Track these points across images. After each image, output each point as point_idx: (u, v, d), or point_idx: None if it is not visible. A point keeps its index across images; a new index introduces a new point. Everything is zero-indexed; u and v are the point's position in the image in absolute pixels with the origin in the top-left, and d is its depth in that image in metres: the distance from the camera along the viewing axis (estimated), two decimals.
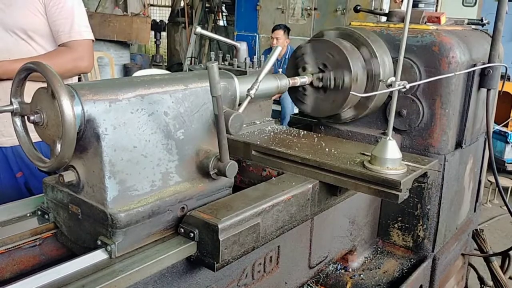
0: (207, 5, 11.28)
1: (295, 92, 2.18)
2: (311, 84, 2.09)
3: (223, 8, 11.38)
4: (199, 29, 1.85)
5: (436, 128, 2.21)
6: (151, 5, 13.16)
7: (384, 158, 1.50)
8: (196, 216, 1.30)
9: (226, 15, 11.33)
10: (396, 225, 2.44)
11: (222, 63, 2.05)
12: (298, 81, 2.01)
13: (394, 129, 2.30)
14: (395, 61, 2.25)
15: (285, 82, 1.89)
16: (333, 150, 1.71)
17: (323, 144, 1.79)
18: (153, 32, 10.07)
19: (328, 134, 2.44)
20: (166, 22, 11.79)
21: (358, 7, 2.71)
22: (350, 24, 2.55)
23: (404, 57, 2.23)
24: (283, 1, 8.20)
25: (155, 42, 10.47)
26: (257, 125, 1.98)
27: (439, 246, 2.41)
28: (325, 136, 1.98)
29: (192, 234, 1.29)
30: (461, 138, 2.33)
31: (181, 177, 1.40)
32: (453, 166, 2.36)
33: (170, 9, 12.17)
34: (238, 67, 1.96)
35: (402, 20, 2.46)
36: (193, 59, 11.05)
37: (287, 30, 6.89)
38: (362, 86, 2.07)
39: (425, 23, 2.38)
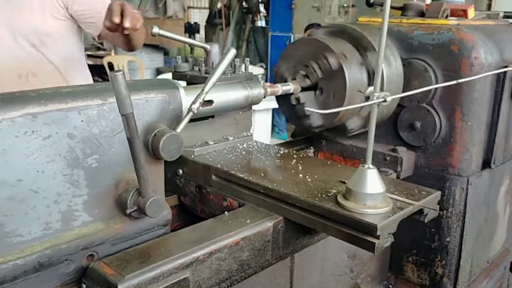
0: (244, 5, 11.02)
1: (292, 111, 1.83)
2: (302, 89, 1.75)
3: (262, 8, 11.08)
4: (156, 29, 1.56)
5: (456, 145, 1.82)
6: (190, 7, 13.09)
7: (361, 193, 1.14)
8: (97, 269, 1.01)
9: (264, 16, 11.02)
10: (410, 259, 2.05)
11: (200, 68, 1.73)
12: (280, 89, 1.67)
13: (407, 144, 1.93)
14: (406, 63, 1.87)
15: (258, 91, 1.56)
16: (307, 177, 1.37)
17: (300, 168, 1.45)
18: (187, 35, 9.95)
19: (330, 149, 2.09)
20: (205, 24, 11.65)
21: (371, 1, 2.33)
22: (357, 20, 2.18)
23: (418, 59, 1.88)
24: None
25: (189, 44, 10.30)
26: (230, 141, 1.66)
27: (462, 286, 2.00)
28: (308, 157, 1.63)
29: None
30: (489, 157, 1.91)
31: (91, 216, 1.11)
32: (480, 190, 1.94)
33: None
34: (206, 73, 1.65)
35: (419, 14, 2.07)
36: None
37: None
38: (363, 77, 1.71)
39: (446, 17, 1.98)
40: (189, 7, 13.03)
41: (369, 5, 2.37)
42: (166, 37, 1.63)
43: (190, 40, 1.73)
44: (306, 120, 1.86)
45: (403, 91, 1.88)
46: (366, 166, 1.16)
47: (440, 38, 1.80)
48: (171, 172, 1.60)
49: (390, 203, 1.17)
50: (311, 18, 7.79)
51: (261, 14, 11.07)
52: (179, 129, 1.20)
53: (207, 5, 12.19)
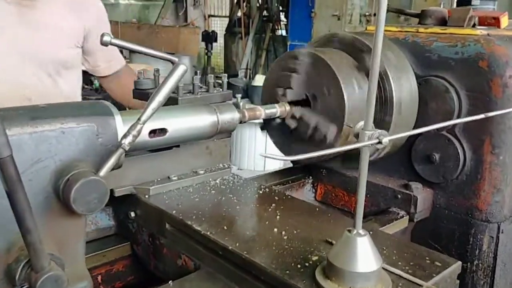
0: (265, 13, 10.74)
1: (284, 140, 1.54)
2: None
3: (282, 17, 10.78)
4: (106, 38, 1.25)
5: (485, 183, 1.47)
6: (211, 16, 12.89)
7: (347, 272, 0.81)
8: None
9: (285, 24, 10.72)
10: None
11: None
12: (262, 113, 1.35)
13: (423, 180, 1.58)
14: (423, 81, 1.53)
15: (231, 116, 1.24)
16: (283, 233, 1.04)
17: (277, 217, 1.12)
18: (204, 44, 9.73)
19: (331, 181, 1.77)
20: (224, 32, 11.41)
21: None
22: (366, 29, 1.85)
23: (437, 76, 1.53)
24: (340, 7, 7.44)
25: (206, 53, 10.08)
26: (199, 176, 1.34)
27: None
28: (291, 200, 1.28)
29: None
30: None
31: None
32: None
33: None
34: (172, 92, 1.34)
35: (440, 22, 1.72)
36: (248, 70, 10.53)
37: None
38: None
39: (473, 26, 1.63)
40: (209, 16, 12.83)
41: None
42: (122, 47, 1.33)
43: (153, 52, 1.41)
44: (269, 133, 1.57)
45: (418, 114, 1.55)
46: (355, 231, 0.82)
47: (465, 51, 1.46)
48: (123, 214, 1.30)
49: (389, 284, 0.83)
50: (331, 27, 7.45)
51: (282, 23, 10.77)
52: (102, 172, 0.89)
53: (228, 14, 11.97)
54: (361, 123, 0.79)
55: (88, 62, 2.11)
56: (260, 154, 0.84)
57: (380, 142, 0.75)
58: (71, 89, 2.03)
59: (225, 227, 1.06)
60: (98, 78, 2.27)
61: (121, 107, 1.43)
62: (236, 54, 10.97)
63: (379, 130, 0.76)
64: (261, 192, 1.29)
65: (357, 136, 0.79)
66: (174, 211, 1.14)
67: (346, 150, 0.80)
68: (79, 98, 2.14)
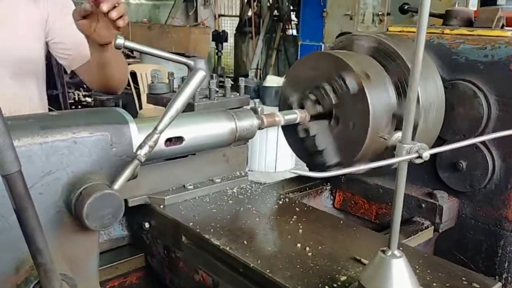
0: (275, 13, 10.67)
1: (301, 145, 1.48)
2: (312, 118, 1.37)
3: (293, 16, 10.70)
4: (120, 40, 1.20)
5: None
6: (222, 15, 12.84)
7: None
8: None
9: (296, 24, 10.64)
10: None
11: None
12: (282, 118, 1.29)
13: (449, 188, 1.51)
14: (449, 85, 1.46)
15: (250, 123, 1.18)
16: (307, 248, 0.98)
17: (300, 230, 1.06)
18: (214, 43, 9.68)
19: (350, 188, 1.70)
20: (234, 32, 11.36)
21: (406, 7, 1.92)
22: (387, 30, 1.78)
23: (464, 80, 1.47)
24: (352, 6, 7.35)
25: (217, 53, 10.03)
26: (215, 185, 1.29)
27: None
28: (314, 212, 1.22)
29: None
30: None
31: None
32: None
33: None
34: None
35: (467, 23, 1.65)
36: (259, 70, 10.46)
37: None
38: (391, 100, 1.32)
39: (501, 27, 1.56)
40: (220, 15, 12.78)
41: (403, 12, 1.97)
42: (138, 50, 1.28)
43: (168, 55, 1.36)
44: (318, 157, 1.49)
45: (445, 120, 1.48)
46: (389, 252, 0.76)
47: (495, 54, 1.39)
48: (136, 224, 1.25)
49: None
50: (343, 26, 7.36)
51: (293, 22, 10.69)
52: (117, 185, 0.84)
53: (238, 13, 11.92)
54: (398, 134, 0.73)
55: (61, 56, 1.80)
56: (289, 171, 0.77)
57: (420, 157, 0.69)
58: (38, 91, 1.81)
59: (245, 242, 1.00)
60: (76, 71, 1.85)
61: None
62: (247, 54, 10.90)
63: (419, 144, 0.70)
64: (280, 202, 1.23)
65: (393, 148, 0.73)
66: (190, 223, 1.08)
67: (382, 165, 0.73)
68: (45, 101, 1.87)
